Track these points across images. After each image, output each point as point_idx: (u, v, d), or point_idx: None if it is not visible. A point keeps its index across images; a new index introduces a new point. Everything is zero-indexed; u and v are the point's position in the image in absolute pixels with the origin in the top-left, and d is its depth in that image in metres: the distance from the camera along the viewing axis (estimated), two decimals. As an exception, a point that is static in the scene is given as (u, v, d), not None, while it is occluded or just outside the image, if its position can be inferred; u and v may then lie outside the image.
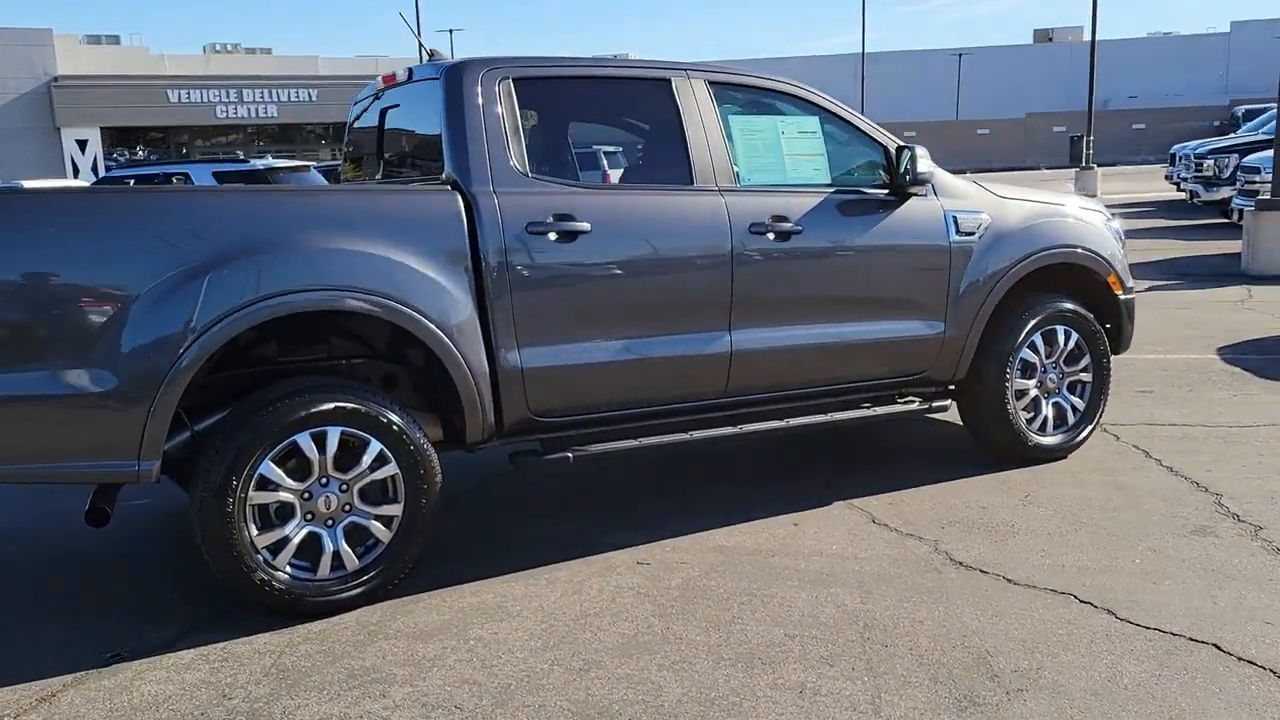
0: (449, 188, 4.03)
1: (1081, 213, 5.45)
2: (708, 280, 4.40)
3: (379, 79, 4.83)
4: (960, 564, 4.08)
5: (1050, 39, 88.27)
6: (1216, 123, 47.91)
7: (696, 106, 4.50)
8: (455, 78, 4.12)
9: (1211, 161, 17.78)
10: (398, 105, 4.70)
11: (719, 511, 4.75)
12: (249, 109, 47.15)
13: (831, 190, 4.73)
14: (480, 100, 4.10)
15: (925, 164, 4.71)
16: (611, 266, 4.23)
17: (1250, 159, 14.27)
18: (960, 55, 67.05)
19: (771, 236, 4.50)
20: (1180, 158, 20.48)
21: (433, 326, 3.88)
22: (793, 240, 4.54)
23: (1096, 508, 4.64)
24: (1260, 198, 12.36)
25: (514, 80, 4.20)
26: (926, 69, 69.87)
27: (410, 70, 4.51)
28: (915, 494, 4.93)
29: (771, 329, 4.56)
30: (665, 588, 3.96)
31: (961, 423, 5.45)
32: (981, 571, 4.01)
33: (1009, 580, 3.92)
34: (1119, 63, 71.52)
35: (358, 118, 5.18)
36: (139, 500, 5.19)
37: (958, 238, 4.95)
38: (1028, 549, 4.20)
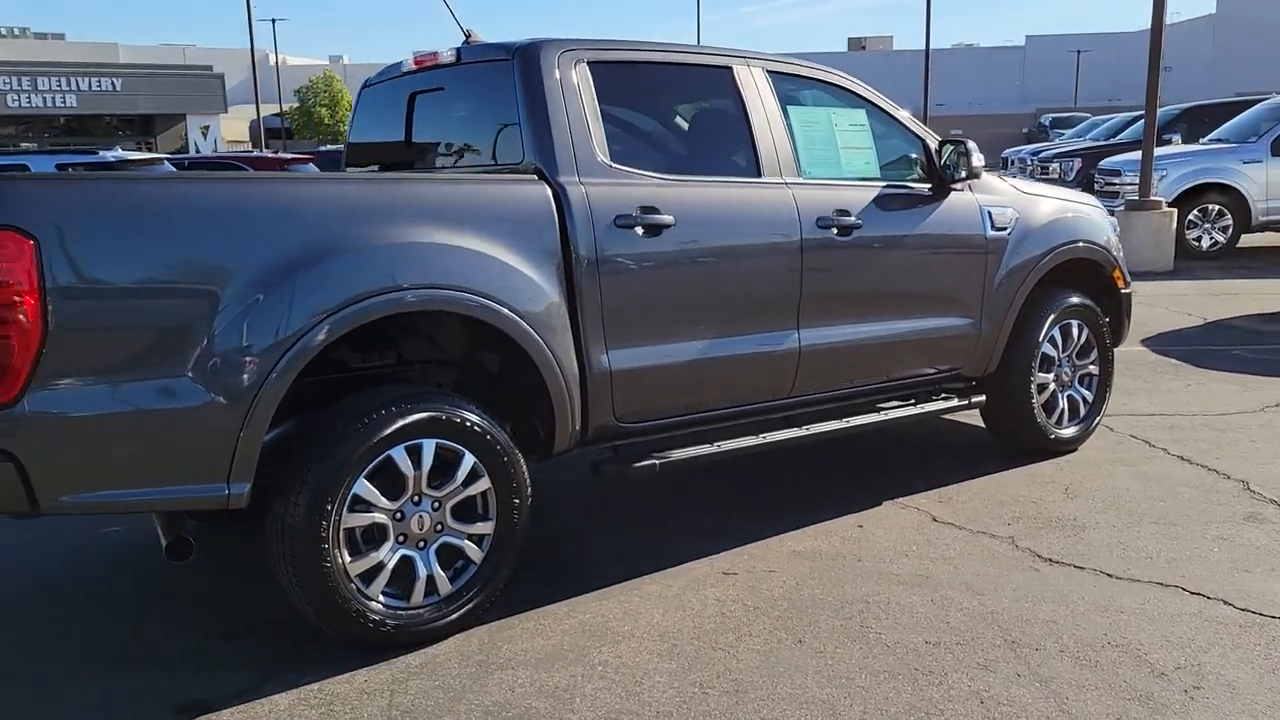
0: (535, 177, 3.72)
1: (1088, 208, 5.55)
2: (781, 276, 4.24)
3: (406, 61, 4.44)
4: (1051, 560, 4.05)
5: (863, 47, 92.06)
6: (1025, 130, 50.79)
7: (759, 95, 4.33)
8: (532, 58, 3.81)
9: (1057, 165, 18.77)
10: (440, 89, 4.32)
11: (775, 515, 4.59)
12: (44, 98, 44.13)
13: (883, 184, 4.64)
14: (560, 83, 3.81)
15: (978, 158, 4.69)
16: (693, 262, 4.01)
17: (1110, 162, 15.07)
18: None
19: (835, 231, 4.37)
20: (1014, 161, 21.64)
21: (528, 328, 3.58)
22: (853, 235, 4.42)
23: (1139, 498, 4.71)
24: (1130, 199, 13.06)
25: (589, 63, 3.92)
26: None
27: (458, 51, 4.16)
28: (957, 490, 4.90)
29: (834, 326, 4.44)
30: (769, 598, 3.78)
31: (981, 418, 5.47)
32: (1076, 567, 3.99)
33: (1109, 575, 3.91)
34: (921, 71, 75.19)
35: (369, 103, 4.76)
36: (111, 528, 4.65)
37: (993, 232, 4.95)
38: (1104, 542, 4.22)
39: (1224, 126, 14.91)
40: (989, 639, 3.42)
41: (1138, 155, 13.10)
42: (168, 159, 15.25)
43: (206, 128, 49.82)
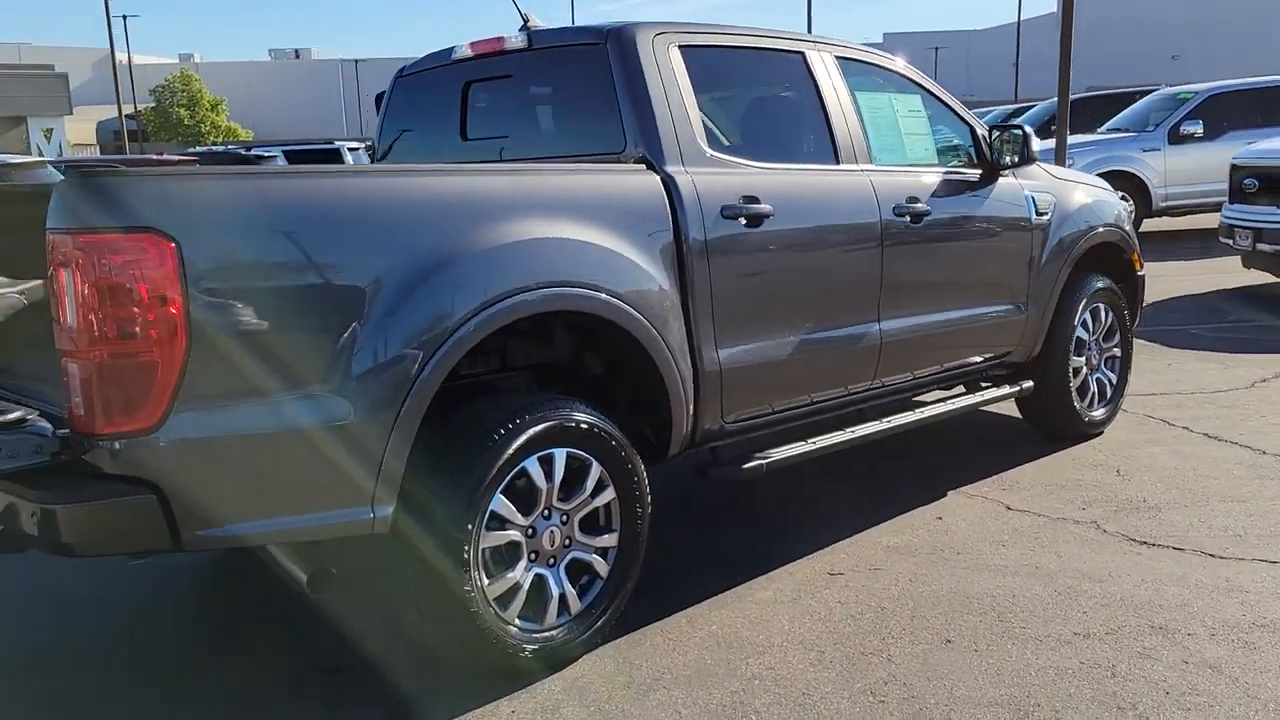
0: (644, 167, 3.52)
1: (1107, 193, 5.62)
2: (866, 265, 4.13)
3: (459, 48, 4.16)
4: (1147, 543, 4.05)
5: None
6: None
7: (831, 81, 4.21)
8: (629, 42, 3.60)
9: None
10: (506, 76, 4.05)
11: (850, 511, 4.48)
12: None
13: (942, 170, 4.59)
14: (659, 67, 3.61)
15: (1036, 143, 4.67)
16: (790, 253, 3.86)
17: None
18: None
19: (908, 219, 4.28)
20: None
21: (649, 325, 3.37)
22: (924, 222, 4.35)
23: (1193, 477, 4.77)
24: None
25: (681, 46, 3.73)
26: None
27: (529, 36, 3.91)
28: (1015, 476, 4.88)
29: (908, 315, 4.35)
30: (889, 597, 3.66)
31: (1016, 405, 5.47)
32: (1176, 549, 3.98)
33: (1212, 555, 3.91)
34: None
35: (406, 94, 4.45)
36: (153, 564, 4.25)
37: (1037, 217, 4.94)
38: (1188, 523, 4.23)
39: (1119, 117, 15.50)
40: (1135, 626, 3.38)
41: (1050, 144, 13.52)
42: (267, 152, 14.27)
43: (50, 131, 47.06)
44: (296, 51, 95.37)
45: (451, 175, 3.18)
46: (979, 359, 4.85)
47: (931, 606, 3.58)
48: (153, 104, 61.80)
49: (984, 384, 5.01)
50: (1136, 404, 6.00)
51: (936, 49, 71.26)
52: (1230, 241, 9.23)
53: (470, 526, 2.96)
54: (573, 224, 3.23)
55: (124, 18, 59.55)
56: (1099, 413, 5.44)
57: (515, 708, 3.04)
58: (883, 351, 4.23)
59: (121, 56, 57.41)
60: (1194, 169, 13.34)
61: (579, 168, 3.49)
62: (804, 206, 3.91)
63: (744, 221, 3.67)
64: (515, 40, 3.94)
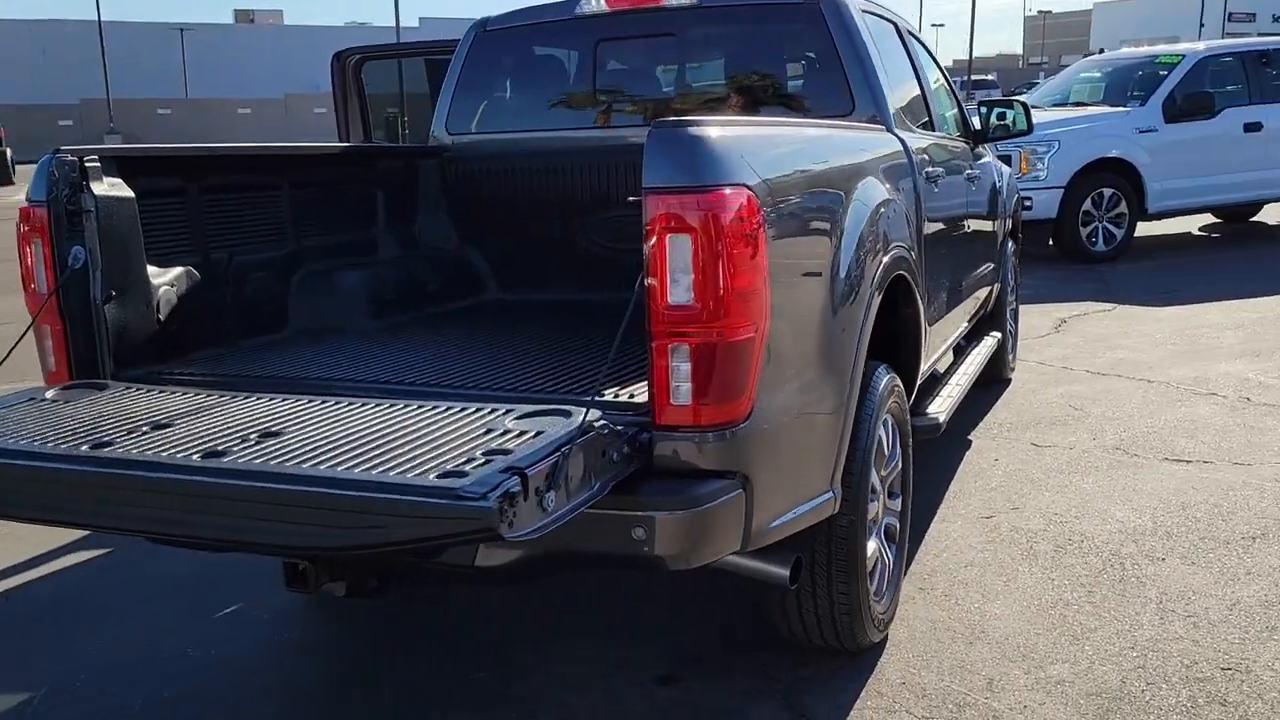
0: (883, 129, 3.51)
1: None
2: (973, 224, 4.42)
3: (594, 1, 3.81)
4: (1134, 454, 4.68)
5: (252, 20, 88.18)
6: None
7: (913, 52, 4.40)
8: (841, 5, 3.56)
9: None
10: (668, 34, 3.78)
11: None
12: None
13: (963, 141, 4.93)
14: (868, 31, 3.62)
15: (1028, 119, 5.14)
16: (948, 216, 4.06)
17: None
18: (182, 31, 63.83)
19: (971, 184, 4.60)
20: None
21: (915, 284, 3.39)
22: (975, 184, 4.69)
23: (1116, 401, 5.57)
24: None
25: (865, 12, 3.75)
26: (140, 42, 64.99)
27: (698, -8, 3.70)
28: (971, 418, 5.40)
29: (966, 273, 4.65)
30: (1070, 567, 3.83)
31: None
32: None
33: (1180, 460, 4.64)
34: (322, 49, 74.15)
35: (491, 51, 3.99)
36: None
37: (1000, 183, 5.48)
38: (1148, 429, 4.97)
39: (1046, 88, 12.70)
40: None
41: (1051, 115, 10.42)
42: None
43: None
44: None
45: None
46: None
47: (1132, 567, 3.93)
48: None
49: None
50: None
51: (477, 35, 72.38)
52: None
53: (864, 498, 2.86)
54: (888, 182, 3.19)
55: None
56: (1013, 358, 6.15)
57: (905, 679, 2.97)
58: (965, 304, 4.51)
59: None
60: (1197, 157, 10.30)
61: (871, 129, 3.42)
62: (948, 170, 4.09)
63: (935, 186, 3.79)
64: (679, -4, 3.72)
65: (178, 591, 3.71)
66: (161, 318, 2.85)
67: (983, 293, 5.04)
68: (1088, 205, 10.08)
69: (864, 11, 3.77)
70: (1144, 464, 4.64)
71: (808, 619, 2.84)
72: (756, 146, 2.25)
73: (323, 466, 1.85)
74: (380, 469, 1.84)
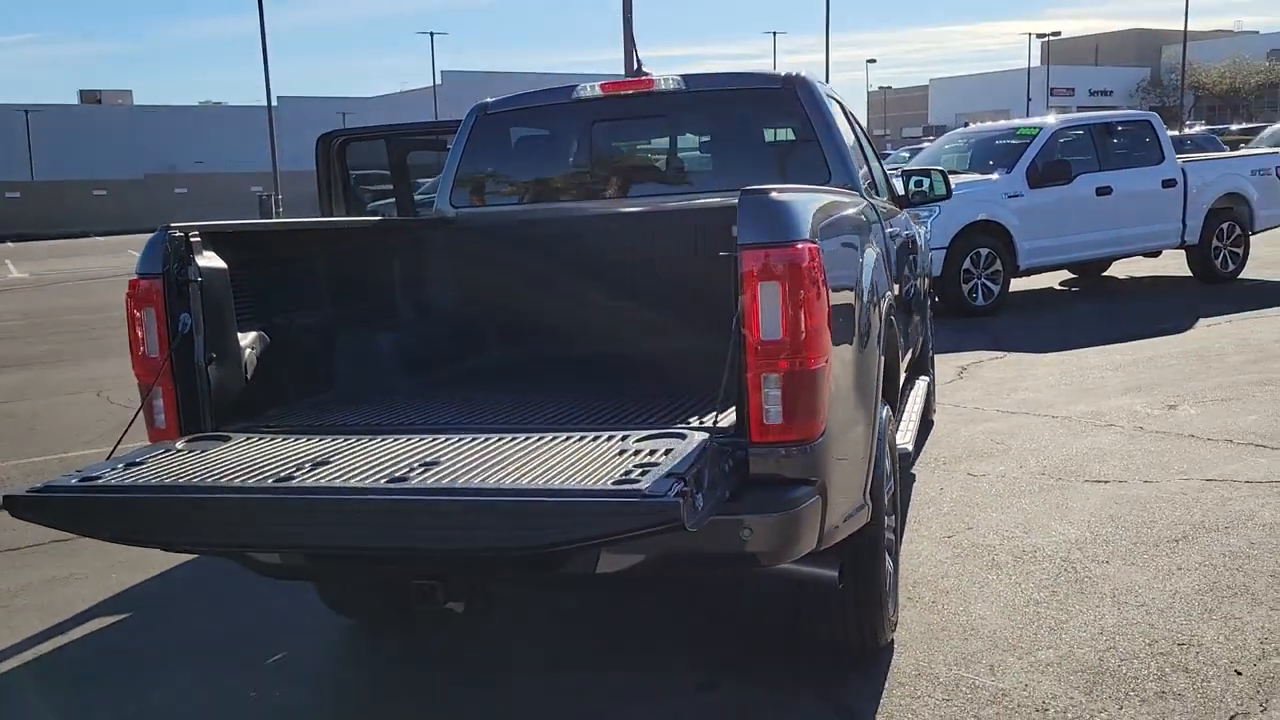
0: (857, 194, 4.02)
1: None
2: (916, 280, 4.97)
3: (583, 87, 4.24)
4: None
5: (99, 100, 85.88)
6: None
7: (853, 124, 4.97)
8: (813, 88, 4.09)
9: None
10: (660, 116, 4.23)
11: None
12: None
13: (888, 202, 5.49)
14: (832, 112, 4.16)
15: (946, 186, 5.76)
16: (902, 269, 4.60)
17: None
18: (27, 112, 61.84)
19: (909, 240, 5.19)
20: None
21: (897, 330, 3.90)
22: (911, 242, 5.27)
23: (1047, 433, 6.20)
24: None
25: (827, 95, 4.29)
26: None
27: (684, 78, 4.17)
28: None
29: None
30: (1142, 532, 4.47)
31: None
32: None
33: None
34: (177, 129, 72.83)
35: (493, 133, 4.38)
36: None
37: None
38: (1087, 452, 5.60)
39: (948, 157, 12.92)
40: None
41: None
42: None
43: None
44: None
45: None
46: None
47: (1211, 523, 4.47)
48: None
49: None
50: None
51: (343, 114, 72.19)
52: None
53: (884, 509, 3.30)
54: (874, 240, 3.68)
55: None
56: (934, 401, 6.75)
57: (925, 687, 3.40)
58: None
59: None
60: (1058, 219, 11.36)
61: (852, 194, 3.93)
62: (896, 227, 4.66)
63: (893, 239, 4.35)
64: (668, 83, 4.18)
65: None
66: (249, 377, 3.11)
67: (918, 340, 5.60)
68: (967, 264, 11.06)
69: (827, 95, 4.31)
70: (1069, 485, 5.23)
71: (848, 618, 3.24)
72: (812, 209, 2.70)
73: (507, 482, 2.18)
74: (555, 483, 2.17)
